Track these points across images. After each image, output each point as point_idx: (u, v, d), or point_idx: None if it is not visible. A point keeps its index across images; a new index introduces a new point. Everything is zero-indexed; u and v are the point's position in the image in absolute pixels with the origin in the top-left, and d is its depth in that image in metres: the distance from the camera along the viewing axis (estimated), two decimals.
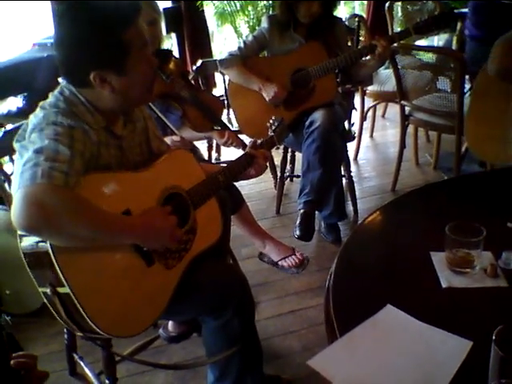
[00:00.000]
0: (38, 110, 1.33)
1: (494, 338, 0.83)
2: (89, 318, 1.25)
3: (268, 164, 1.96)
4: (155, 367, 1.92)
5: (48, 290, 1.29)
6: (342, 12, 5.61)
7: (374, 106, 4.01)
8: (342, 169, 2.91)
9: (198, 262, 1.53)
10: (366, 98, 3.80)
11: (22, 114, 2.97)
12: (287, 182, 3.34)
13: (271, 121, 1.87)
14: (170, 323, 2.00)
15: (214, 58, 4.15)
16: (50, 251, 1.20)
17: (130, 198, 1.37)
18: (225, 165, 1.70)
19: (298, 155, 2.96)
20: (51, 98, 1.35)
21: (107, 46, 1.26)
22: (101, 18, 1.26)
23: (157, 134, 1.65)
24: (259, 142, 1.81)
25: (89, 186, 1.27)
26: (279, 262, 2.54)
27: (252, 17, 4.45)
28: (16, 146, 1.27)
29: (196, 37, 4.39)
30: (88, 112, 1.34)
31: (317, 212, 2.74)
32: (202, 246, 1.55)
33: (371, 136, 4.21)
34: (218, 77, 4.27)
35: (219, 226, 1.64)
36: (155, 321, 1.46)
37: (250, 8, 4.44)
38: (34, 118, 1.29)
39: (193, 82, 2.97)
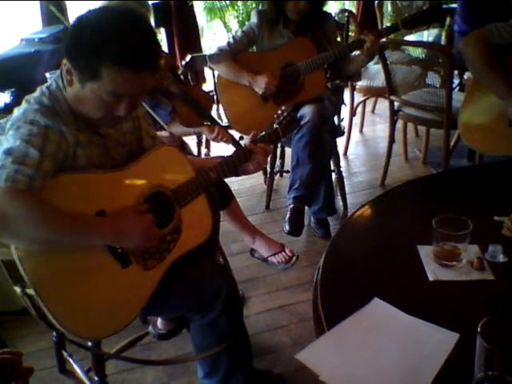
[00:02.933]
0: (23, 102, 1.33)
1: (478, 330, 0.84)
2: (56, 321, 1.25)
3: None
4: (141, 364, 1.92)
5: (19, 290, 1.30)
6: (331, 7, 5.60)
7: (364, 101, 4.02)
8: (332, 164, 2.91)
9: (184, 259, 1.51)
10: (355, 93, 3.81)
11: (10, 109, 2.94)
12: (277, 177, 3.34)
13: (279, 111, 1.75)
14: (159, 320, 2.00)
15: (204, 53, 4.13)
16: (16, 255, 1.20)
17: (106, 199, 1.35)
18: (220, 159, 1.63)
19: (288, 150, 2.96)
20: (38, 91, 1.35)
21: (88, 59, 1.22)
22: (108, 37, 1.21)
23: (150, 133, 1.62)
24: (261, 134, 1.70)
25: (61, 187, 1.27)
26: (269, 258, 2.54)
27: (241, 12, 4.44)
28: None
29: (185, 32, 4.36)
30: (69, 111, 1.33)
31: (306, 207, 2.74)
32: (187, 246, 1.51)
33: (361, 131, 4.23)
34: (207, 72, 4.26)
35: (208, 226, 1.58)
36: (131, 321, 1.40)
37: (239, 3, 4.44)
38: (16, 112, 1.31)
39: (182, 77, 2.96)
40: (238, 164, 1.61)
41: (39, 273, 1.24)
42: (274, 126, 1.73)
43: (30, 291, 1.24)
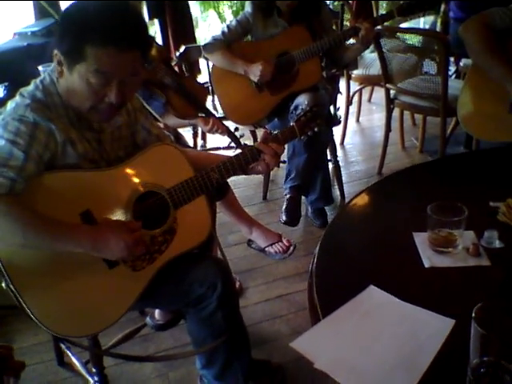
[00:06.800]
0: (16, 95, 1.32)
1: (473, 315, 0.83)
2: (34, 318, 1.26)
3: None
4: (136, 361, 1.93)
5: (4, 285, 1.30)
6: None
7: (360, 90, 4.00)
8: (329, 153, 2.90)
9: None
10: (351, 81, 3.79)
11: (3, 103, 2.92)
12: None
13: (303, 106, 1.56)
14: (157, 311, 2.00)
15: (198, 43, 4.10)
16: None
17: (93, 198, 1.33)
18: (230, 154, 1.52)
19: None
20: (32, 85, 1.34)
21: (73, 39, 1.23)
22: (92, 16, 1.21)
23: (146, 126, 1.56)
24: (275, 132, 1.55)
25: (46, 186, 1.26)
26: (266, 249, 2.53)
27: (236, 2, 4.41)
28: None
29: (179, 23, 4.33)
30: (62, 105, 1.32)
31: (304, 197, 2.74)
32: (181, 248, 1.46)
33: (357, 120, 4.22)
34: (202, 63, 4.23)
35: (206, 229, 1.50)
36: (116, 321, 1.38)
37: None
38: (9, 105, 1.30)
39: (176, 68, 2.94)
40: (244, 164, 1.49)
41: (18, 269, 1.24)
42: (291, 123, 1.58)
43: (12, 287, 1.24)
